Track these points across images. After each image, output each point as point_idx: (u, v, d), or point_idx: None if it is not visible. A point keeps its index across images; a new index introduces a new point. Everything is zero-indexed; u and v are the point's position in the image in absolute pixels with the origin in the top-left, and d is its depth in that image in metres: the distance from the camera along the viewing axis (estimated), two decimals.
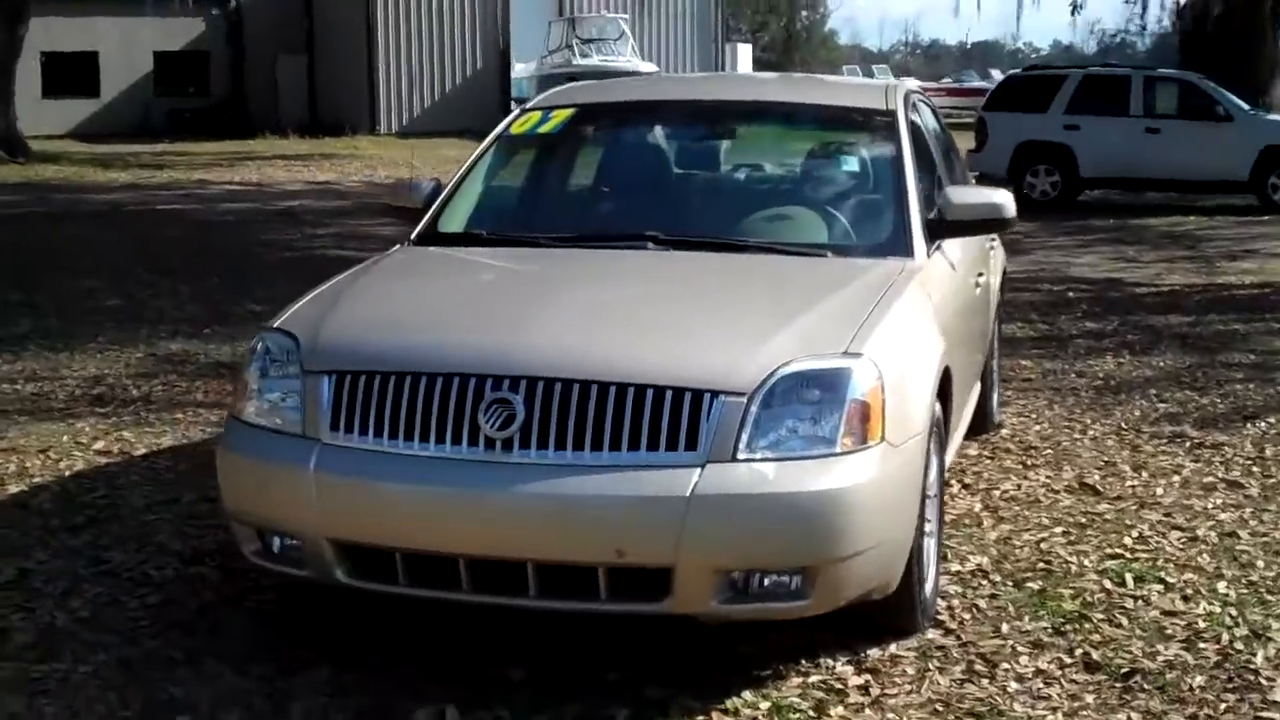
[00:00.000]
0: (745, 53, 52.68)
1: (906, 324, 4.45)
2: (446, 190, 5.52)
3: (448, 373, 4.01)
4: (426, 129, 36.56)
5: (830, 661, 4.30)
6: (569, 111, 5.81)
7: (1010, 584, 4.98)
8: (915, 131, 5.55)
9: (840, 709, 4.01)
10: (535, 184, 5.78)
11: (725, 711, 4.00)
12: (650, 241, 4.99)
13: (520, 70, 40.06)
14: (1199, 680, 4.21)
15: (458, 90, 38.74)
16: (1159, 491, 6.10)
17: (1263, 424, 7.29)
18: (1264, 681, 4.20)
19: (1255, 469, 6.46)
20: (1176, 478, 6.33)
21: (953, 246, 5.31)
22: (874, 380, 4.04)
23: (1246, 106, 19.62)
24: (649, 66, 39.78)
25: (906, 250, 4.98)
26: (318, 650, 4.40)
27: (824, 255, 4.99)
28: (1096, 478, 6.31)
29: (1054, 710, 4.03)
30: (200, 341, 9.34)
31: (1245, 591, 4.93)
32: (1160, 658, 4.38)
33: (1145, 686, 4.18)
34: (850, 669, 4.27)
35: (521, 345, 4.07)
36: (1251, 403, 7.79)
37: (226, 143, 33.27)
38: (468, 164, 5.62)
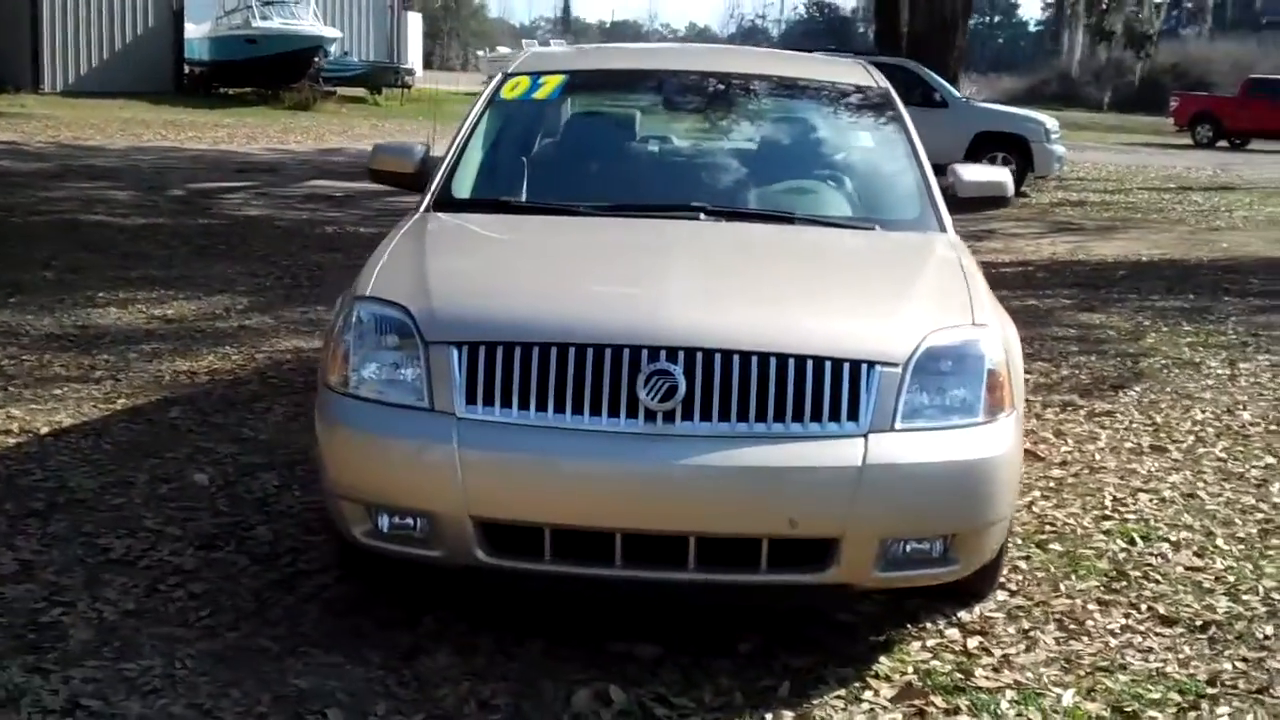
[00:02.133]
0: (416, 22, 52.23)
1: (989, 294, 4.59)
2: (451, 155, 5.34)
3: (601, 344, 3.90)
4: (94, 89, 35.09)
5: (932, 625, 4.40)
6: (560, 78, 5.70)
7: (1034, 546, 5.19)
8: None
9: (980, 670, 4.12)
10: (552, 151, 5.65)
11: (877, 676, 4.06)
12: (701, 212, 4.97)
13: (194, 30, 38.54)
14: (1269, 629, 4.51)
15: (128, 49, 37.01)
16: (1096, 457, 6.45)
17: (1133, 392, 7.77)
18: None
19: (1163, 434, 6.89)
20: (1100, 443, 6.69)
21: None
22: (1001, 350, 4.17)
23: (958, 93, 20.71)
24: (333, 31, 38.88)
25: (940, 224, 5.13)
26: (418, 634, 4.23)
27: (872, 228, 5.08)
28: (1027, 444, 6.60)
29: (1165, 662, 4.25)
30: (13, 311, 8.75)
31: (1243, 548, 5.28)
32: (1219, 610, 4.66)
33: (1226, 637, 4.45)
34: (955, 631, 4.39)
35: (678, 316, 4.00)
36: (1107, 373, 8.28)
37: None
38: (465, 129, 5.44)
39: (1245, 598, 4.78)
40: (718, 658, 4.13)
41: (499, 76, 5.71)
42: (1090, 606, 4.64)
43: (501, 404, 3.91)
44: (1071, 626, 4.48)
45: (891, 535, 3.94)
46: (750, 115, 5.82)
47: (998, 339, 4.19)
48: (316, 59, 36.91)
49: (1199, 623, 4.54)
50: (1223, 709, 3.95)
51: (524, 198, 5.15)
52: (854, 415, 3.89)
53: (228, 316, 9.18)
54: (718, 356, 3.88)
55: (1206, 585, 4.89)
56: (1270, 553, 5.25)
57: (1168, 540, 5.32)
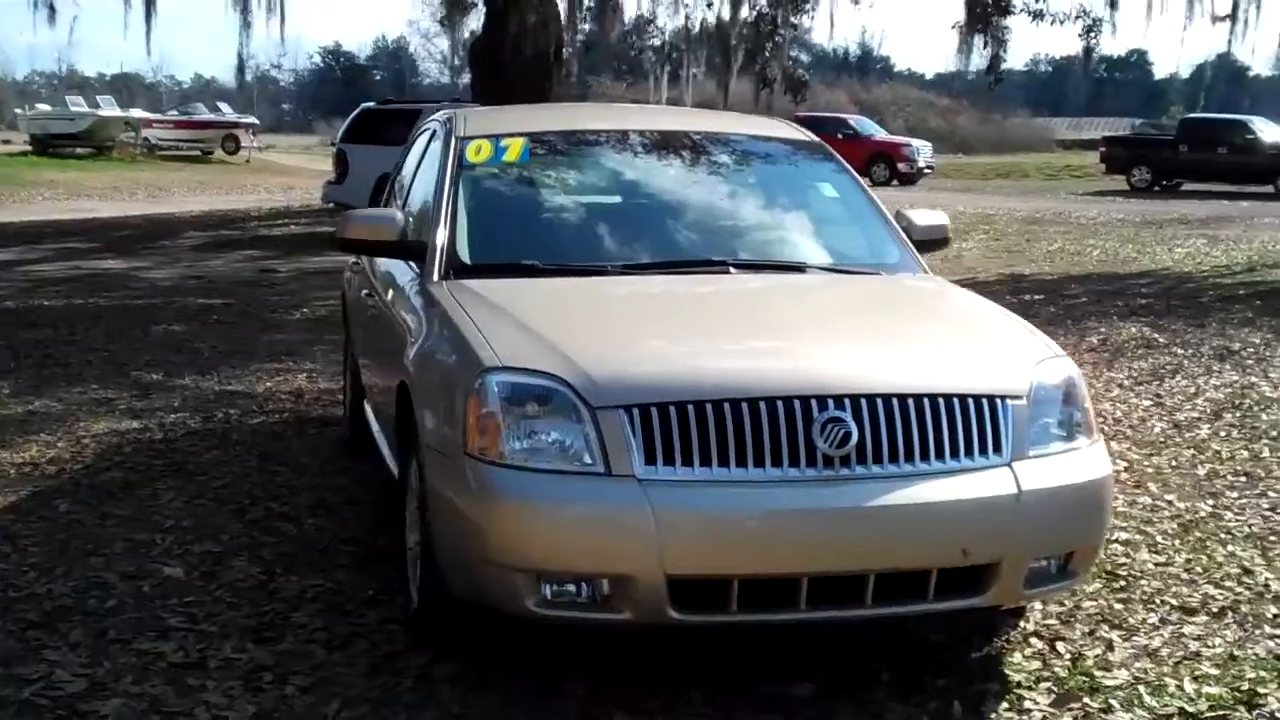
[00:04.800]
0: None
1: None
2: (444, 222, 5.28)
3: (773, 396, 4.04)
4: None
5: (1010, 638, 4.75)
6: (522, 140, 5.72)
7: None
8: None
9: (1096, 671, 4.49)
10: (548, 212, 5.63)
11: (1021, 686, 4.36)
12: (730, 266, 5.17)
13: None
14: (1272, 609, 5.11)
15: None
16: None
17: None
18: None
19: None
20: None
21: None
22: (1081, 378, 4.59)
23: None
24: None
25: (920, 265, 5.52)
26: (583, 702, 4.22)
27: (877, 273, 5.40)
28: None
29: (1224, 646, 4.74)
30: None
31: (1181, 541, 5.90)
32: (1218, 596, 5.21)
33: (1247, 617, 5.01)
34: (1036, 640, 4.75)
35: (838, 366, 4.20)
36: None
37: None
38: (445, 195, 5.39)
39: (1226, 583, 5.35)
40: (870, 688, 4.32)
41: (454, 143, 5.66)
42: (1116, 606, 5.09)
43: (682, 462, 3.98)
44: (1121, 625, 4.91)
45: (1041, 555, 4.27)
46: (721, 170, 6.00)
47: (1076, 368, 4.59)
48: None
49: (1214, 609, 5.08)
50: None
51: (541, 261, 5.14)
52: (998, 447, 4.20)
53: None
54: (879, 401, 4.10)
55: (1185, 576, 5.44)
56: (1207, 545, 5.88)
57: (1116, 541, 5.86)
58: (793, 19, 19.27)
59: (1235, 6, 19.08)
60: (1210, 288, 14.77)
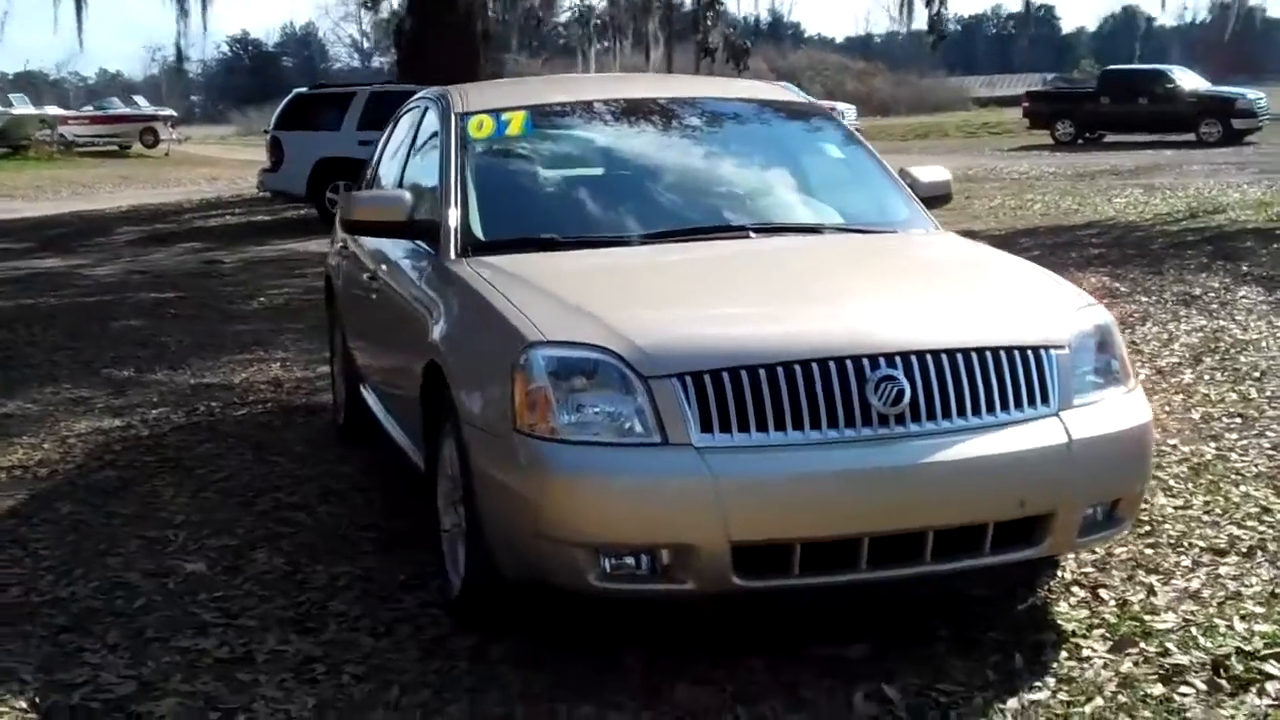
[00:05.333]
0: None
1: None
2: (454, 200, 5.21)
3: (825, 357, 4.03)
4: None
5: (1051, 589, 4.77)
6: (523, 114, 5.66)
7: None
8: None
9: (1145, 615, 4.52)
10: (560, 185, 5.57)
11: (1075, 635, 4.38)
12: (751, 231, 5.14)
13: None
14: None
15: None
16: None
17: None
18: None
19: None
20: None
21: None
22: (1115, 324, 4.61)
23: None
24: None
25: (931, 222, 5.53)
26: (651, 673, 4.19)
27: (894, 231, 5.40)
28: None
29: (1261, 584, 4.79)
30: None
31: (1192, 487, 5.96)
32: (1243, 536, 5.27)
33: (1275, 553, 5.07)
34: (1078, 589, 4.77)
35: (888, 324, 4.18)
36: None
37: None
38: (452, 173, 5.32)
39: (1249, 523, 5.41)
40: (926, 644, 4.33)
41: (454, 120, 5.58)
42: (1147, 551, 5.13)
43: (739, 428, 3.96)
44: (1157, 570, 4.95)
45: (1093, 503, 4.28)
46: (725, 136, 5.97)
47: (1109, 316, 4.61)
48: None
49: (1243, 549, 5.13)
50: None
51: (559, 234, 5.09)
52: (1045, 398, 4.20)
53: None
54: (929, 357, 4.09)
55: (1207, 519, 5.49)
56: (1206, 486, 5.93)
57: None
58: None
59: None
60: (1159, 235, 14.94)
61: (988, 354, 4.16)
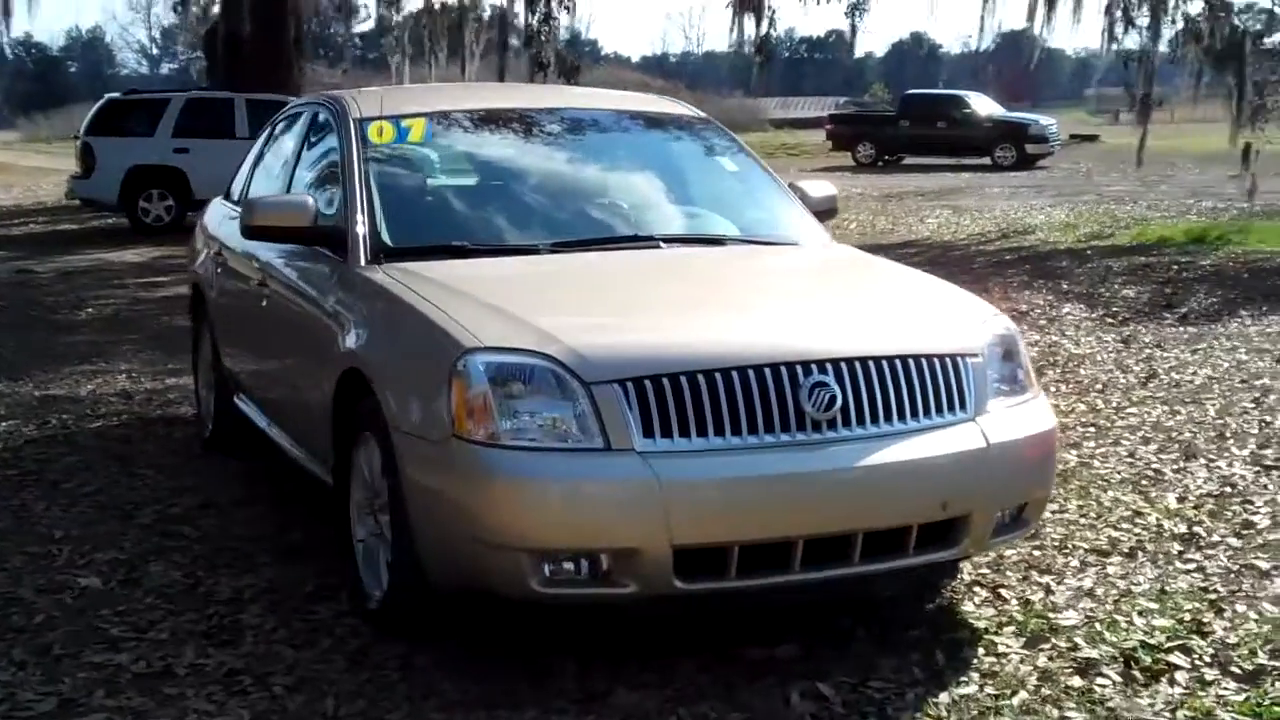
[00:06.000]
0: None
1: None
2: (360, 204, 5.17)
3: (760, 364, 4.13)
4: None
5: (952, 588, 4.95)
6: (423, 120, 5.64)
7: None
8: None
9: (1049, 613, 4.71)
10: (464, 193, 5.54)
11: (987, 632, 4.55)
12: (661, 241, 5.22)
13: None
14: (1176, 545, 5.44)
15: None
16: None
17: None
18: None
19: None
20: None
21: None
22: (1019, 334, 4.81)
23: None
24: None
25: (826, 235, 5.68)
26: (585, 680, 4.22)
27: (795, 244, 5.53)
28: None
29: (1150, 581, 5.03)
30: None
31: (1069, 491, 6.22)
32: (1124, 538, 5.52)
33: (1156, 554, 5.32)
34: (980, 589, 4.95)
35: (816, 332, 4.31)
36: None
37: None
38: (356, 176, 5.28)
39: (1124, 526, 5.67)
40: (849, 643, 4.45)
41: (353, 124, 5.54)
42: (1035, 553, 5.34)
43: (679, 433, 4.03)
44: (1049, 570, 5.16)
45: (1003, 506, 4.46)
46: (627, 147, 6.01)
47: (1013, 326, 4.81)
48: None
49: (1124, 550, 5.38)
50: (1239, 605, 4.78)
51: (468, 241, 5.09)
52: (963, 404, 4.38)
53: None
54: (858, 364, 4.23)
55: (1084, 522, 5.74)
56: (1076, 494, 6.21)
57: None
58: (565, 3, 19.34)
59: None
60: (977, 255, 15.48)
61: (910, 361, 4.30)
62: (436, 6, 23.64)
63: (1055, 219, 19.22)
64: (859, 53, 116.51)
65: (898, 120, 36.60)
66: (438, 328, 4.31)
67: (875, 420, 4.20)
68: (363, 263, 4.99)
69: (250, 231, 5.33)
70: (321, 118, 6.01)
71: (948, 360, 4.38)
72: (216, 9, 27.49)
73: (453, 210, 5.43)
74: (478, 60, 26.58)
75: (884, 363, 4.26)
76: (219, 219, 7.17)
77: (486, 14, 25.40)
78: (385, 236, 5.09)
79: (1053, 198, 23.53)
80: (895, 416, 4.23)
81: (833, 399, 4.14)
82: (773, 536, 4.10)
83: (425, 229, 5.24)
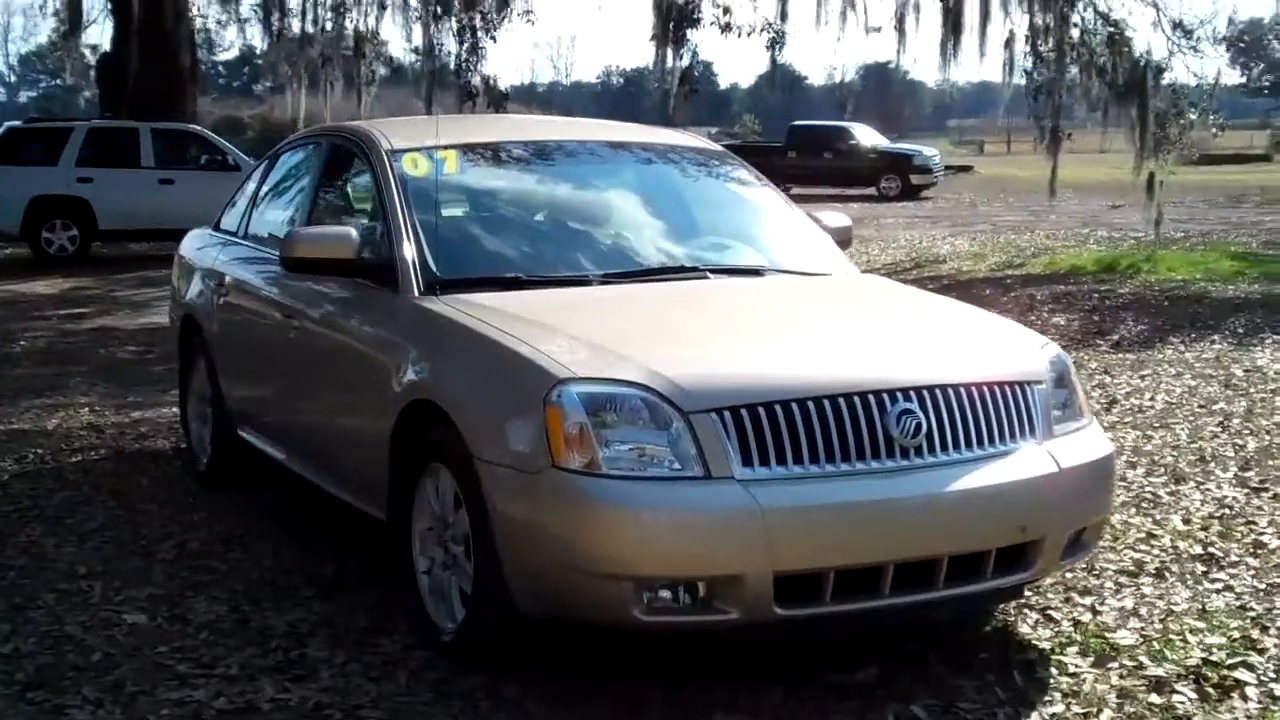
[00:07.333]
0: None
1: None
2: (407, 237, 5.18)
3: (850, 392, 4.22)
4: None
5: (1003, 611, 5.07)
6: (455, 153, 5.66)
7: None
8: None
9: (1107, 634, 4.85)
10: (511, 225, 5.57)
11: (1054, 652, 4.67)
12: (709, 272, 5.29)
13: None
14: (1199, 566, 5.63)
15: None
16: None
17: None
18: None
19: None
20: None
21: None
22: (1071, 361, 4.97)
23: (247, 156, 20.74)
24: None
25: (850, 266, 5.81)
26: (670, 686, 4.28)
27: (828, 274, 5.64)
28: None
29: (1192, 599, 5.19)
30: None
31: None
32: (1152, 555, 5.69)
33: (1199, 572, 5.50)
34: (1030, 611, 5.08)
35: (899, 361, 4.42)
36: None
37: None
38: (398, 210, 5.28)
39: (1142, 547, 5.84)
40: (921, 667, 4.54)
41: (387, 158, 5.53)
42: (1068, 575, 5.47)
43: (777, 461, 4.11)
44: (1088, 592, 5.30)
45: (1073, 528, 4.60)
46: (660, 180, 6.07)
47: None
48: None
49: (1150, 571, 5.54)
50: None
51: (520, 273, 5.12)
52: (1033, 429, 4.52)
53: None
54: (939, 392, 4.34)
55: (1105, 544, 5.86)
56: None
57: None
58: (494, 32, 19.36)
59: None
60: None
61: (985, 389, 4.43)
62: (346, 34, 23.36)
63: (960, 248, 19.64)
64: (725, 83, 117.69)
65: (785, 151, 36.99)
66: (522, 358, 4.33)
67: (956, 446, 4.32)
68: (416, 294, 4.99)
69: (290, 264, 5.30)
70: (343, 150, 5.99)
71: (1018, 387, 4.51)
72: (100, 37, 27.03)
73: (498, 242, 5.44)
74: (374, 91, 26.45)
75: (963, 390, 4.38)
76: (214, 250, 7.09)
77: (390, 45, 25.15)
78: (434, 268, 5.09)
79: (949, 228, 24.04)
80: (975, 442, 4.35)
81: (919, 426, 4.24)
82: (866, 561, 4.19)
83: (474, 260, 5.26)
